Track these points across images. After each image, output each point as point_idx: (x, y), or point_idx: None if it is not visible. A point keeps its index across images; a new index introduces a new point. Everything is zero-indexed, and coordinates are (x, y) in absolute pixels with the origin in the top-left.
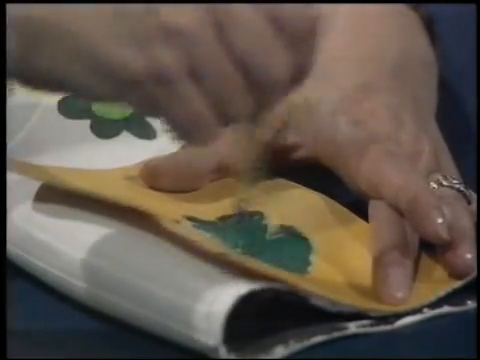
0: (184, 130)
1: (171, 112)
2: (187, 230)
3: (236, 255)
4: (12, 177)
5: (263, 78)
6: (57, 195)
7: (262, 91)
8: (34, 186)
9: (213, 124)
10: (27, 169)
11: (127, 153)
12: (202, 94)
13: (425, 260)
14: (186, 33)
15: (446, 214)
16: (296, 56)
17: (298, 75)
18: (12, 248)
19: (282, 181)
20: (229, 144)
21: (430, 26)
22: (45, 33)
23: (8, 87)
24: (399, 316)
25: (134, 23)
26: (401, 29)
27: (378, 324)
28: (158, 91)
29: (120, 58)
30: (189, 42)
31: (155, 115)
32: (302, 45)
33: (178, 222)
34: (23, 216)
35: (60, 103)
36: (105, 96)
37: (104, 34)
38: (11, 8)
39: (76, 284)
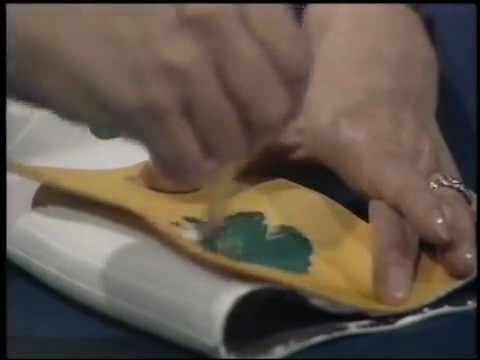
0: (168, 166)
1: (160, 147)
2: (182, 238)
3: (233, 262)
4: (12, 178)
5: (261, 120)
6: (57, 196)
7: (256, 132)
8: (34, 187)
9: (198, 164)
10: (27, 170)
11: (127, 153)
12: (194, 132)
13: (425, 260)
14: (184, 71)
15: (446, 214)
16: (290, 97)
17: (290, 116)
18: (12, 248)
19: (282, 181)
20: None
21: (430, 26)
22: (40, 57)
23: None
24: (399, 316)
25: (131, 55)
26: (401, 29)
27: (378, 324)
28: (148, 125)
29: (116, 92)
30: (186, 80)
31: (143, 146)
32: (297, 86)
33: (177, 224)
34: (23, 216)
35: None
36: (98, 123)
37: (99, 62)
38: (11, 8)
39: (75, 284)
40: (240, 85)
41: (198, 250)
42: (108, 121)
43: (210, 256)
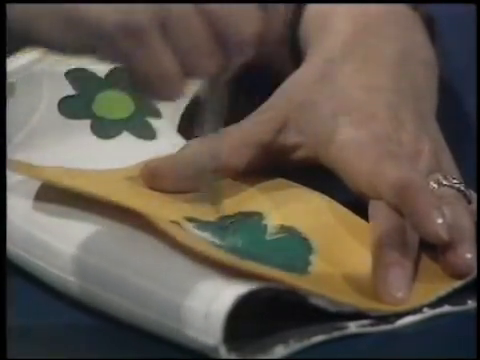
0: (150, 84)
1: (139, 64)
2: (185, 234)
3: (233, 258)
4: (12, 177)
5: (232, 35)
6: (57, 195)
7: (230, 49)
8: (34, 186)
9: (179, 79)
10: (27, 169)
11: (127, 153)
12: (171, 49)
13: (425, 260)
14: None
15: (446, 214)
16: (265, 17)
17: (265, 42)
18: (12, 248)
19: (282, 181)
20: (229, 145)
21: (430, 25)
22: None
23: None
24: (399, 316)
25: None
26: (401, 28)
27: (378, 324)
28: (128, 43)
29: (92, 12)
30: None
31: (124, 66)
32: (271, 12)
33: (178, 224)
34: (23, 216)
35: (61, 103)
36: (76, 49)
37: None
38: (11, 8)
39: (76, 283)
40: (213, 4)
41: (197, 245)
42: (88, 46)
43: (211, 251)
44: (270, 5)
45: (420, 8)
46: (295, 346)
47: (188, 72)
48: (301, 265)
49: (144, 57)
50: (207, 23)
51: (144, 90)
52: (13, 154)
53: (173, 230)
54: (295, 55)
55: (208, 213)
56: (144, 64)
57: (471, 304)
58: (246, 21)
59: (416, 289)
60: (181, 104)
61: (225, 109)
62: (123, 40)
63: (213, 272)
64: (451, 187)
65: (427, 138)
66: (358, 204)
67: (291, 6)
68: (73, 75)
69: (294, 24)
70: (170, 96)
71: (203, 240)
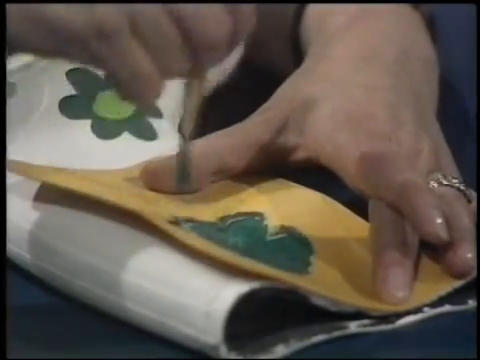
0: (127, 85)
1: (113, 66)
2: (185, 233)
3: (233, 256)
4: (12, 177)
5: (202, 39)
6: (57, 195)
7: (200, 50)
8: (34, 186)
9: (155, 78)
10: (27, 169)
11: (127, 154)
12: (143, 50)
13: (425, 259)
14: None
15: (446, 214)
16: (235, 20)
17: (235, 38)
18: (12, 248)
19: (282, 181)
20: (229, 146)
21: (431, 25)
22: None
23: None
24: (400, 315)
25: None
26: (401, 27)
27: (379, 323)
28: (100, 46)
29: (62, 13)
30: None
31: (99, 69)
32: (241, 9)
33: (177, 224)
34: (23, 216)
35: (61, 103)
36: (49, 51)
37: None
38: (11, 8)
39: (76, 284)
40: (181, 4)
41: (197, 243)
42: (61, 49)
43: (212, 250)
44: (270, 5)
45: (421, 7)
46: (295, 345)
47: (162, 73)
48: (301, 265)
49: (118, 59)
50: (176, 25)
51: (122, 93)
52: (13, 154)
53: (173, 230)
54: (296, 55)
55: (208, 214)
56: (119, 66)
57: (471, 304)
58: (214, 24)
59: (416, 289)
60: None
61: (201, 110)
62: (94, 42)
63: (213, 271)
64: (451, 186)
65: (427, 137)
66: (358, 204)
67: (292, 6)
68: (74, 75)
69: (295, 24)
70: (148, 97)
71: (203, 239)
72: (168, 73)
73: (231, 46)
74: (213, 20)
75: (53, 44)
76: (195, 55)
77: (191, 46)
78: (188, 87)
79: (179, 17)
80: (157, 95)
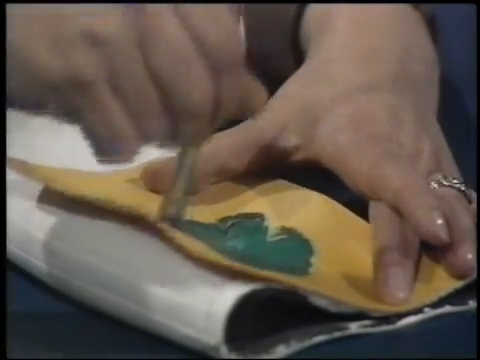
0: (102, 141)
1: (88, 119)
2: (185, 236)
3: (231, 262)
4: (12, 177)
5: (182, 103)
6: (57, 195)
7: (180, 115)
8: (34, 186)
9: (132, 136)
10: (27, 169)
11: None
12: (121, 106)
13: (426, 260)
14: (108, 42)
15: (446, 214)
16: (220, 88)
17: (220, 110)
18: (12, 248)
19: (283, 182)
20: (230, 147)
21: (431, 24)
22: None
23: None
24: (400, 316)
25: (58, 26)
26: (401, 27)
27: (379, 324)
28: (76, 97)
29: (39, 60)
30: (110, 51)
31: (74, 122)
32: (226, 74)
33: (177, 224)
34: (23, 216)
35: None
36: (29, 102)
37: (28, 36)
38: (11, 8)
39: (76, 284)
40: (161, 65)
41: (196, 247)
42: (39, 99)
43: (210, 255)
44: (270, 5)
45: (421, 7)
46: (296, 346)
47: (139, 134)
48: (302, 266)
49: (93, 111)
50: (156, 84)
51: (97, 148)
52: (14, 154)
53: (172, 232)
54: (296, 55)
55: (209, 215)
56: (93, 122)
57: (472, 304)
58: (196, 89)
59: (417, 289)
60: None
61: (196, 173)
62: (71, 93)
63: (214, 272)
64: (451, 187)
65: (427, 138)
66: (358, 204)
67: (292, 6)
68: None
69: (295, 24)
70: (124, 155)
71: (202, 242)
72: (146, 136)
73: (214, 118)
74: (195, 82)
75: (32, 93)
76: (174, 122)
77: (172, 112)
78: (181, 157)
79: (159, 76)
80: (134, 155)
